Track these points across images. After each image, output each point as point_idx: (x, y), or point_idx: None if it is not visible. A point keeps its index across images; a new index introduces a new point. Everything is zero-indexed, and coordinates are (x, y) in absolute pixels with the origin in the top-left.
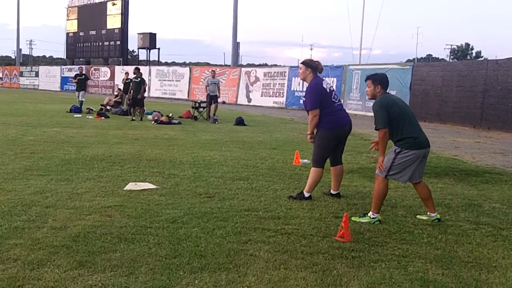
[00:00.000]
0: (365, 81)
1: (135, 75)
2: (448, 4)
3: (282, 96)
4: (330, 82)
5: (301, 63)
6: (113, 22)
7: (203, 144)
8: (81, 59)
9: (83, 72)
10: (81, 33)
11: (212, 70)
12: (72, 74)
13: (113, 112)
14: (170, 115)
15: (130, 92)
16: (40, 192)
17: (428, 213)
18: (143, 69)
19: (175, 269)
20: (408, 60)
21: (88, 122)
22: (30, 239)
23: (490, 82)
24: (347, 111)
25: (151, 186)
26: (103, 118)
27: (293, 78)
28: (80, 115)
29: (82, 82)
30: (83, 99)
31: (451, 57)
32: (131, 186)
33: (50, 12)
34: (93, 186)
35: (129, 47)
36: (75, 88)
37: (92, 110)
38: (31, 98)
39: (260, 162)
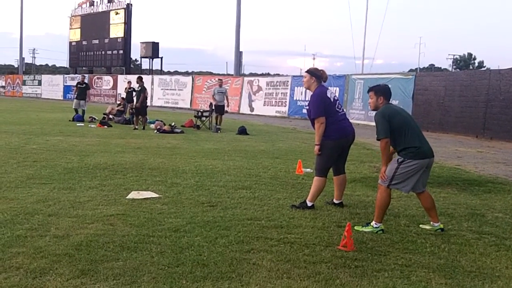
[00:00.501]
0: (368, 92)
1: (138, 85)
2: (451, 14)
3: (285, 106)
4: (334, 92)
5: (306, 71)
6: (116, 31)
7: (206, 153)
8: (84, 68)
9: (85, 81)
10: (84, 42)
11: (219, 79)
12: (75, 83)
13: (115, 121)
14: (173, 124)
15: (133, 101)
16: (43, 200)
17: (432, 222)
18: (146, 78)
19: (177, 278)
20: (411, 70)
21: (90, 131)
22: (33, 247)
23: (492, 92)
24: (350, 120)
25: (154, 195)
26: (105, 127)
27: (296, 88)
28: (82, 124)
29: (82, 91)
30: (85, 108)
31: (454, 67)
32: (133, 195)
33: (53, 21)
34: (95, 195)
35: (132, 56)
36: (74, 96)
37: (94, 119)
38: (33, 106)
39: (263, 171)
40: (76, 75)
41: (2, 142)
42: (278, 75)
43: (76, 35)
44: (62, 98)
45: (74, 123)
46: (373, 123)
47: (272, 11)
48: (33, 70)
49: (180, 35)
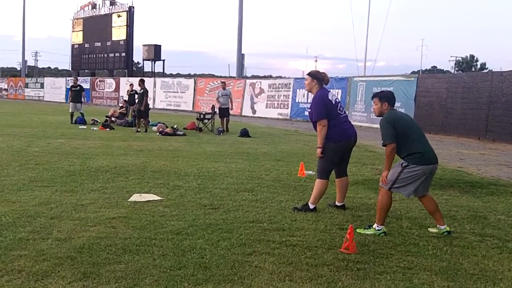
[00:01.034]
0: (372, 99)
1: (140, 87)
2: (453, 16)
3: (287, 108)
4: (335, 94)
5: (307, 74)
6: (118, 34)
7: (208, 155)
8: (86, 70)
9: (78, 83)
10: (86, 45)
11: (222, 82)
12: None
13: (118, 123)
14: (175, 126)
15: (135, 104)
16: (45, 203)
17: (438, 225)
18: (148, 81)
19: (179, 281)
20: (413, 72)
21: (92, 134)
22: (35, 250)
23: (495, 94)
24: (352, 122)
25: (156, 197)
26: (108, 129)
27: (298, 90)
28: (85, 127)
29: (77, 94)
30: (81, 110)
31: (456, 69)
32: (135, 197)
33: (55, 24)
34: (97, 198)
35: (134, 59)
36: (69, 99)
37: (97, 121)
38: (36, 109)
39: (265, 173)
40: (79, 77)
41: (5, 145)
42: (280, 77)
43: (78, 38)
44: (64, 101)
45: (76, 126)
46: (376, 125)
47: (274, 14)
48: (35, 72)
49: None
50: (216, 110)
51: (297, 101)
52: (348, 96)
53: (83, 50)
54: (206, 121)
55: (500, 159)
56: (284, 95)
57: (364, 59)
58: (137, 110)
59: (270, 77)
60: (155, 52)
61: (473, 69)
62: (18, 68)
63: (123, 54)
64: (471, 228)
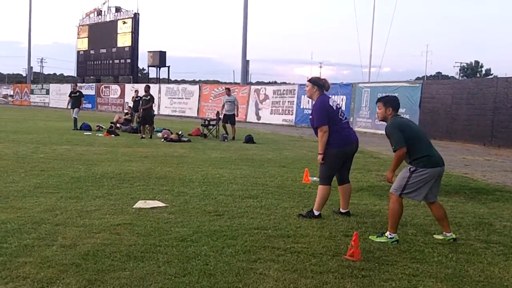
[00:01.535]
0: (376, 103)
1: (145, 94)
2: (458, 22)
3: (292, 114)
4: (337, 100)
5: (308, 81)
6: (124, 40)
7: (213, 162)
8: (91, 77)
9: (77, 89)
10: (92, 51)
11: (226, 88)
12: (83, 91)
13: (123, 129)
14: (180, 132)
15: (140, 110)
16: (50, 210)
17: (444, 232)
18: (153, 87)
19: None
20: (418, 78)
21: (97, 140)
22: (40, 257)
23: (500, 99)
24: (357, 129)
25: (161, 204)
26: (113, 135)
27: (303, 96)
28: (90, 133)
29: (77, 99)
30: (76, 116)
31: (461, 74)
32: (140, 204)
33: (61, 30)
34: (102, 204)
35: (139, 65)
36: (70, 105)
37: (102, 127)
38: (41, 115)
39: (270, 180)
40: (84, 84)
41: (10, 151)
42: (285, 83)
43: (83, 44)
44: (70, 107)
45: (81, 132)
46: (380, 131)
47: (279, 20)
48: (41, 79)
49: (187, 44)
50: (221, 116)
51: (301, 107)
52: (353, 102)
53: (88, 56)
54: (211, 127)
55: (505, 165)
56: (288, 101)
57: (369, 65)
58: (143, 116)
59: (274, 83)
60: (160, 59)
61: (478, 75)
62: (24, 75)
63: (128, 60)
64: (476, 234)
